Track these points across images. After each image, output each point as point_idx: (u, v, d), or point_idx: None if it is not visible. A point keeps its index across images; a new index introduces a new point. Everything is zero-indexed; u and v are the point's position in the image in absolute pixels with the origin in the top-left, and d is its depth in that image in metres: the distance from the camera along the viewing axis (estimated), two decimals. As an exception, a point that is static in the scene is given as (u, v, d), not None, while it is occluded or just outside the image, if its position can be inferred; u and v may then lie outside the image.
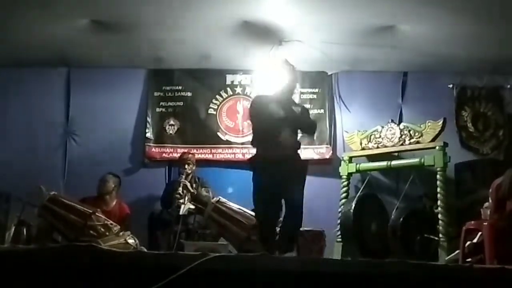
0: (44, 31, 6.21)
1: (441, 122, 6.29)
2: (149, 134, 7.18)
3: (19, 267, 2.91)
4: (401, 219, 6.19)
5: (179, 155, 6.80)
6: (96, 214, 5.23)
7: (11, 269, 2.90)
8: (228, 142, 7.14)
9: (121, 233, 5.24)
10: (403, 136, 6.48)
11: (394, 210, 6.37)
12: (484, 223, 4.64)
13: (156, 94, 7.32)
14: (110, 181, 6.24)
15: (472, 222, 4.81)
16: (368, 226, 6.41)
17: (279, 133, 4.66)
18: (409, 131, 6.46)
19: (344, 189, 6.68)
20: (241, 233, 5.42)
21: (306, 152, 7.10)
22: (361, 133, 6.83)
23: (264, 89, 6.92)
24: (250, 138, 6.88)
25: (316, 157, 7.11)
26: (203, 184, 6.34)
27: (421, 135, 6.36)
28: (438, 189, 6.07)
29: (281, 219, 4.87)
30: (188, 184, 6.07)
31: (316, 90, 7.30)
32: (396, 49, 6.53)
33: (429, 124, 6.33)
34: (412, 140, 6.42)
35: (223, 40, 6.42)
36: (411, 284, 2.93)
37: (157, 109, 7.28)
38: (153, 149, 7.16)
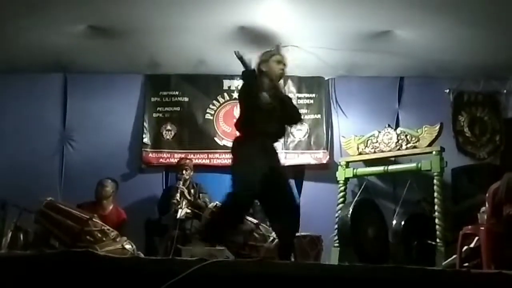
0: (41, 36, 6.21)
1: (437, 127, 6.31)
2: (146, 140, 7.18)
3: (16, 273, 2.90)
4: (402, 223, 6.20)
5: (176, 160, 6.81)
6: (93, 219, 5.21)
7: (8, 275, 2.89)
8: (225, 147, 7.13)
9: (118, 239, 5.23)
10: (400, 141, 6.50)
11: (395, 215, 6.37)
12: (481, 228, 4.64)
13: (153, 99, 7.32)
14: (108, 185, 6.25)
15: (469, 226, 4.81)
16: (365, 231, 6.40)
17: (270, 121, 4.36)
18: (406, 136, 6.47)
19: (341, 194, 6.68)
20: (238, 238, 5.41)
21: (303, 157, 7.14)
22: (358, 138, 6.84)
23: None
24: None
25: (313, 162, 7.13)
26: (201, 189, 6.34)
27: (418, 140, 6.37)
28: (435, 194, 6.08)
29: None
30: (186, 191, 6.06)
31: (313, 95, 7.32)
32: (393, 55, 6.56)
33: (426, 129, 6.35)
34: (409, 145, 6.43)
35: (220, 46, 6.42)
36: (409, 289, 2.93)
37: (154, 114, 7.28)
38: (150, 155, 7.16)
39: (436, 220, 6.00)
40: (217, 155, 7.16)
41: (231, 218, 4.34)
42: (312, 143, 7.20)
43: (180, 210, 5.80)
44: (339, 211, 6.50)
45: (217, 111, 7.28)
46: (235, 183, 4.28)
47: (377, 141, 6.67)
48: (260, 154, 4.24)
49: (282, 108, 4.43)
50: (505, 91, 7.13)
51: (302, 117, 5.16)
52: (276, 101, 4.38)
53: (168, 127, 7.26)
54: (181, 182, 6.12)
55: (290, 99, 4.71)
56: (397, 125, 6.94)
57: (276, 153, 4.51)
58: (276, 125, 4.43)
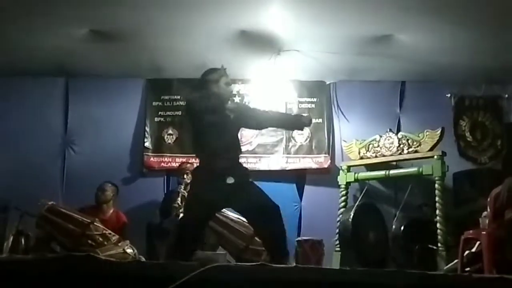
0: (43, 40, 6.22)
1: (439, 132, 6.30)
2: (147, 144, 7.18)
3: (17, 277, 2.90)
4: (402, 228, 6.20)
5: (177, 164, 6.81)
6: (95, 223, 5.22)
7: (9, 279, 2.89)
8: (226, 152, 7.14)
9: (119, 243, 5.23)
10: (401, 145, 6.49)
11: (395, 220, 6.37)
12: (483, 232, 4.63)
13: (154, 103, 7.32)
14: (108, 190, 6.25)
15: (471, 231, 4.79)
16: (366, 235, 6.40)
17: (220, 140, 4.25)
18: (407, 140, 6.46)
19: (343, 198, 6.67)
20: (240, 243, 5.41)
21: (305, 162, 7.13)
22: (359, 142, 6.83)
23: (262, 98, 6.96)
24: (248, 147, 7.01)
25: (314, 166, 7.13)
26: (201, 194, 6.32)
27: (419, 144, 6.36)
28: (437, 198, 6.06)
29: None
30: (187, 195, 6.05)
31: (315, 100, 7.31)
32: (394, 59, 6.56)
33: (427, 133, 6.34)
34: (410, 150, 6.42)
35: (221, 50, 6.43)
36: (410, 294, 2.93)
37: (156, 119, 7.28)
38: (152, 159, 7.16)
39: (438, 225, 5.99)
40: (218, 159, 7.14)
41: (184, 247, 4.24)
42: (313, 147, 7.19)
43: (181, 215, 5.79)
44: (341, 216, 6.49)
45: (218, 115, 7.27)
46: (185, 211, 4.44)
47: (378, 146, 6.67)
48: (214, 176, 4.17)
49: (240, 119, 4.35)
50: (506, 95, 7.14)
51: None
52: (223, 118, 4.29)
53: (170, 131, 7.26)
54: (182, 186, 6.11)
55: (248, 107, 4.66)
56: (398, 130, 6.93)
57: (238, 167, 4.37)
58: (226, 141, 4.30)
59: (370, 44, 6.20)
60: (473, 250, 4.61)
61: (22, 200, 5.63)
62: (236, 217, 5.58)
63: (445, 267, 5.45)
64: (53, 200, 5.53)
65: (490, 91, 7.15)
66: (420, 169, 6.22)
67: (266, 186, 4.60)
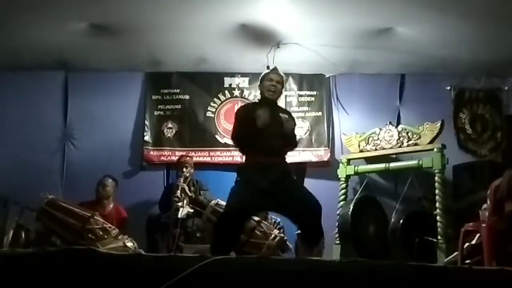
0: (42, 34, 6.21)
1: (439, 124, 6.30)
2: (147, 137, 7.18)
3: (17, 271, 2.90)
4: (401, 221, 6.21)
5: (177, 158, 6.81)
6: (95, 217, 5.22)
7: (9, 273, 2.89)
8: (226, 145, 7.14)
9: (119, 236, 5.24)
10: (401, 138, 6.49)
11: (394, 212, 6.38)
12: (483, 225, 4.63)
13: (154, 97, 7.32)
14: (109, 185, 6.26)
15: (471, 223, 4.80)
16: (366, 228, 6.42)
17: (267, 139, 4.48)
18: (407, 133, 6.46)
19: (343, 191, 6.68)
20: (241, 236, 5.40)
21: (305, 155, 7.14)
22: (359, 135, 6.83)
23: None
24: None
25: (314, 159, 7.13)
26: (201, 187, 6.34)
27: (419, 137, 6.36)
28: (437, 191, 6.07)
29: None
30: (186, 188, 6.06)
31: (314, 93, 7.31)
32: (394, 52, 6.55)
33: (427, 126, 6.34)
34: (410, 142, 6.42)
35: (221, 43, 6.43)
36: (410, 286, 2.93)
37: (155, 112, 7.28)
38: (151, 152, 7.16)
39: (438, 217, 6.00)
40: (218, 153, 7.16)
41: (226, 236, 4.35)
42: (313, 140, 7.20)
43: (181, 209, 5.79)
44: (340, 209, 6.50)
45: (218, 109, 7.28)
46: (228, 202, 4.48)
47: (378, 138, 6.67)
48: (260, 174, 4.39)
49: (280, 130, 4.54)
50: (506, 88, 7.12)
51: (297, 140, 5.22)
52: (274, 121, 4.50)
53: (169, 125, 7.26)
54: (182, 179, 6.11)
55: (289, 124, 4.69)
56: (398, 122, 6.94)
57: (281, 167, 4.63)
58: (276, 143, 4.52)
59: (370, 37, 6.19)
60: (473, 242, 4.62)
61: (22, 194, 5.63)
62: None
63: (445, 260, 5.46)
64: (53, 194, 5.52)
65: (490, 83, 7.13)
66: (420, 162, 6.23)
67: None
